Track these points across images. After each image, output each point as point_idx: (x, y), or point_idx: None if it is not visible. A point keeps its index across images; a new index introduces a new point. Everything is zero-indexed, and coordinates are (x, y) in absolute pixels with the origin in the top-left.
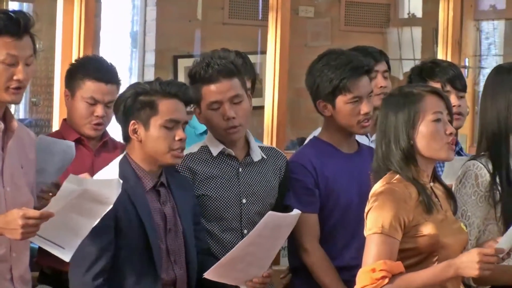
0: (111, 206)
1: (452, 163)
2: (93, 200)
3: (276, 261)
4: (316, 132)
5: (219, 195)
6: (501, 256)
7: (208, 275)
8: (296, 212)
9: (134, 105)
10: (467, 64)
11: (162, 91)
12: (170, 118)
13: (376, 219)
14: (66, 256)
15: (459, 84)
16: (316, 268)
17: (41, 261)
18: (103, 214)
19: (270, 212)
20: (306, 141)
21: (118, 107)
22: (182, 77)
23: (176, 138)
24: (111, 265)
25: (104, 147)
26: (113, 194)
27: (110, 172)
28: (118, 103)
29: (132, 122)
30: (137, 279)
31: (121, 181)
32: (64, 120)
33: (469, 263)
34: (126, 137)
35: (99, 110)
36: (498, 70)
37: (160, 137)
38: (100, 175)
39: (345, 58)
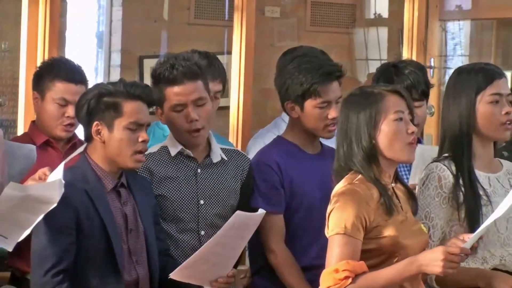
0: (55, 205)
1: (423, 153)
2: (36, 202)
3: (242, 261)
4: (265, 130)
5: (176, 196)
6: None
7: (174, 275)
8: (261, 211)
9: (98, 106)
10: (432, 64)
11: (126, 93)
12: (135, 120)
13: (338, 219)
14: (8, 246)
15: (415, 94)
16: (282, 268)
17: (11, 263)
18: (48, 211)
19: (237, 212)
20: (254, 138)
21: (81, 108)
22: (148, 78)
23: (140, 139)
24: (73, 266)
25: (73, 149)
26: (55, 194)
27: (57, 173)
28: (81, 103)
29: (95, 123)
30: (100, 280)
31: (63, 181)
32: (33, 122)
33: (433, 260)
34: (88, 138)
35: (70, 111)
36: (459, 72)
37: (124, 139)
38: (53, 175)
39: (317, 63)
